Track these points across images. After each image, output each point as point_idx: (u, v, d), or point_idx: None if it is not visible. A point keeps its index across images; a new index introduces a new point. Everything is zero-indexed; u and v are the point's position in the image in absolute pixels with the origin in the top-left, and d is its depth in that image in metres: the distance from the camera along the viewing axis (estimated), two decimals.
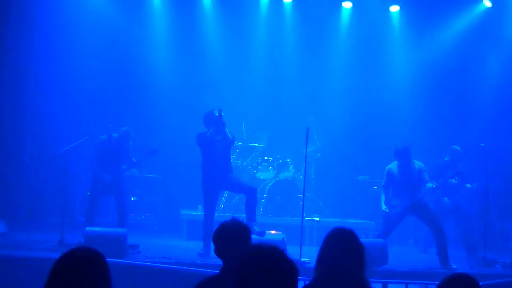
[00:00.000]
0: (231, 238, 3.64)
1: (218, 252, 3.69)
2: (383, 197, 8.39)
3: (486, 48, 11.61)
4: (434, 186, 8.28)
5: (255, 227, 7.82)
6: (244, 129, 10.51)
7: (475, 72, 11.64)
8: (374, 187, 11.09)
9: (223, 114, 8.11)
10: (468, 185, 9.71)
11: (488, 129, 10.94)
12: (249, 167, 10.51)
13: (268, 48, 11.87)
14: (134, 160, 8.77)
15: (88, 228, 7.64)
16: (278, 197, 10.22)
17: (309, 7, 11.70)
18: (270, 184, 10.23)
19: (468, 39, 11.58)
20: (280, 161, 10.43)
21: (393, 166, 8.45)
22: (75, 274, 2.51)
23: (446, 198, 9.24)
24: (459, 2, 11.61)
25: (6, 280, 6.68)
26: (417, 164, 8.42)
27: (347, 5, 11.87)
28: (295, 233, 8.57)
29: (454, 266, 8.01)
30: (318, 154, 10.78)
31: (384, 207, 8.28)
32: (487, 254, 8.27)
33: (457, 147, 9.56)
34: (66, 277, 2.51)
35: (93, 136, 8.69)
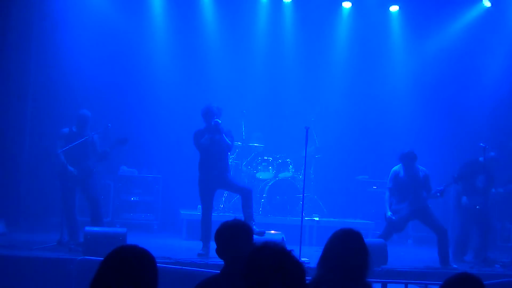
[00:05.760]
0: (232, 238, 3.61)
1: (219, 252, 3.65)
2: (388, 201, 8.28)
3: (486, 48, 11.57)
4: (439, 194, 8.13)
5: (254, 227, 7.80)
6: (243, 128, 10.50)
7: (474, 73, 11.62)
8: (374, 187, 11.08)
9: (219, 121, 8.09)
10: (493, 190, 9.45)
11: (487, 130, 10.92)
12: (249, 167, 10.51)
13: (268, 48, 11.85)
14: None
15: (88, 228, 7.57)
16: (277, 197, 10.21)
17: (308, 7, 11.69)
18: (270, 184, 10.22)
19: (468, 40, 11.56)
20: (280, 161, 10.42)
21: (399, 168, 8.33)
22: (125, 271, 2.43)
23: (465, 197, 8.85)
24: (459, 2, 11.59)
25: (6, 280, 6.68)
26: (422, 170, 8.31)
27: (347, 5, 11.86)
28: (294, 233, 8.56)
29: (454, 266, 8.01)
30: (318, 156, 10.76)
31: (389, 213, 8.20)
32: (487, 254, 8.26)
33: (482, 144, 8.86)
34: (115, 274, 2.43)
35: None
